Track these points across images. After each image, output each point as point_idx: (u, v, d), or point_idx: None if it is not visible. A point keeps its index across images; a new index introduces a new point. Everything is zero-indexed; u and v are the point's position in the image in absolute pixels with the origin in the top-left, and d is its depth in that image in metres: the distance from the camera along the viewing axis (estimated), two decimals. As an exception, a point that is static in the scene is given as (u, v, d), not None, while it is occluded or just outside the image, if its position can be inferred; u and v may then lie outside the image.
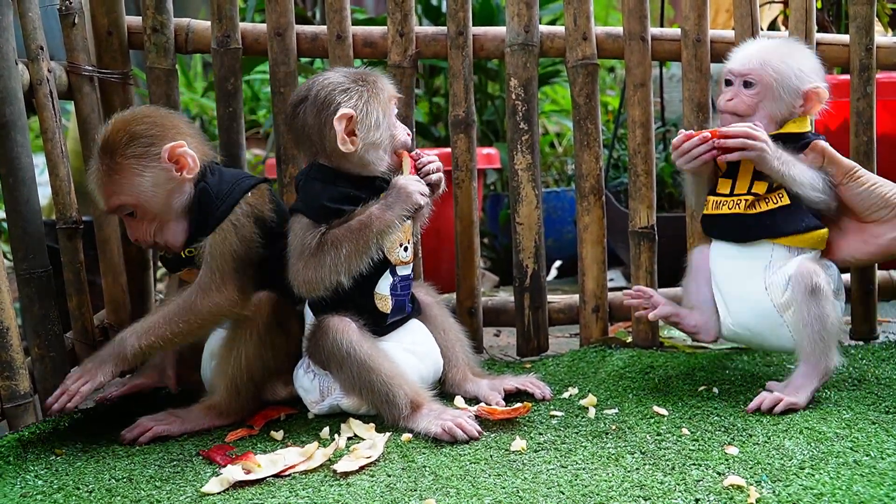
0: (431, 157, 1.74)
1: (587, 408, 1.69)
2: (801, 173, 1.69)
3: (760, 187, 1.73)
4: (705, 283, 1.84)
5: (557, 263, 3.34)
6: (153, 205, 1.66)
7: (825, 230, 1.74)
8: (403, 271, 1.74)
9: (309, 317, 1.74)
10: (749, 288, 1.73)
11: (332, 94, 1.66)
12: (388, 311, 1.73)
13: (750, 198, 1.72)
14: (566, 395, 1.79)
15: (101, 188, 1.66)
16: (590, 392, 1.79)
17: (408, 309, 1.79)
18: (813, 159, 1.72)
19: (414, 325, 1.80)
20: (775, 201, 1.72)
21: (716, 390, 1.75)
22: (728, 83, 1.79)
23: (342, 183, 1.69)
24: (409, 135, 1.75)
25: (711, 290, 1.82)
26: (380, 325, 1.72)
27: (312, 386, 1.70)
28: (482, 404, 1.67)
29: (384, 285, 1.72)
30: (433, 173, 1.73)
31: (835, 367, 1.67)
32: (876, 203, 1.70)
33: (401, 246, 1.72)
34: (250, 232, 1.68)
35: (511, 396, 1.78)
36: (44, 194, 2.22)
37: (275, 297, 1.71)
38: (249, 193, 1.70)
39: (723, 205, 1.75)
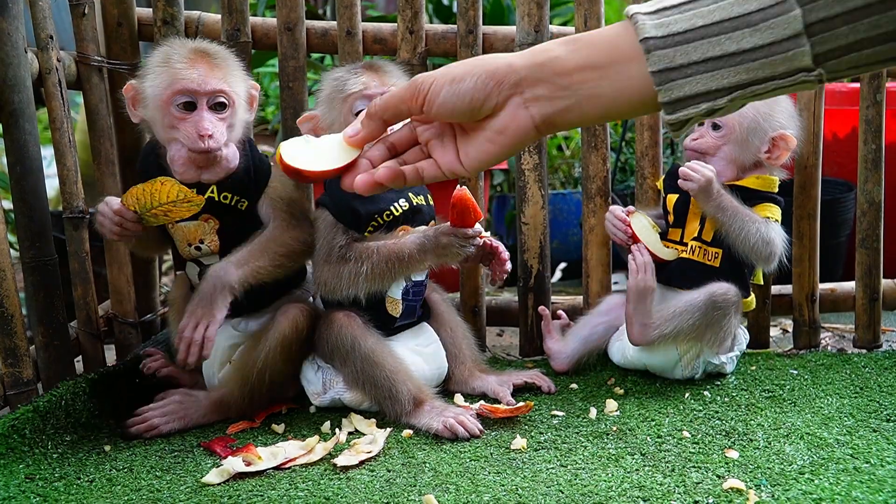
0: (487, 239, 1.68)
1: (588, 408, 1.69)
2: (738, 225, 1.74)
3: (708, 234, 1.82)
4: (591, 326, 1.94)
5: (562, 265, 3.34)
6: (239, 110, 1.65)
7: (751, 299, 1.87)
8: (418, 277, 1.74)
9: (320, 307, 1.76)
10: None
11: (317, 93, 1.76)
12: (398, 315, 1.73)
13: (701, 245, 1.82)
14: (567, 395, 1.79)
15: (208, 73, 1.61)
16: (591, 393, 1.79)
17: (418, 313, 1.79)
18: None
19: (421, 327, 1.80)
20: (711, 259, 1.82)
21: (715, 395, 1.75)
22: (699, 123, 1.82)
23: None
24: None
25: (590, 331, 1.93)
26: (387, 328, 1.72)
27: (316, 378, 1.71)
28: (483, 402, 1.67)
29: (396, 290, 1.72)
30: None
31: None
32: None
33: None
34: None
35: (515, 392, 1.78)
36: (51, 186, 2.23)
37: (306, 310, 1.69)
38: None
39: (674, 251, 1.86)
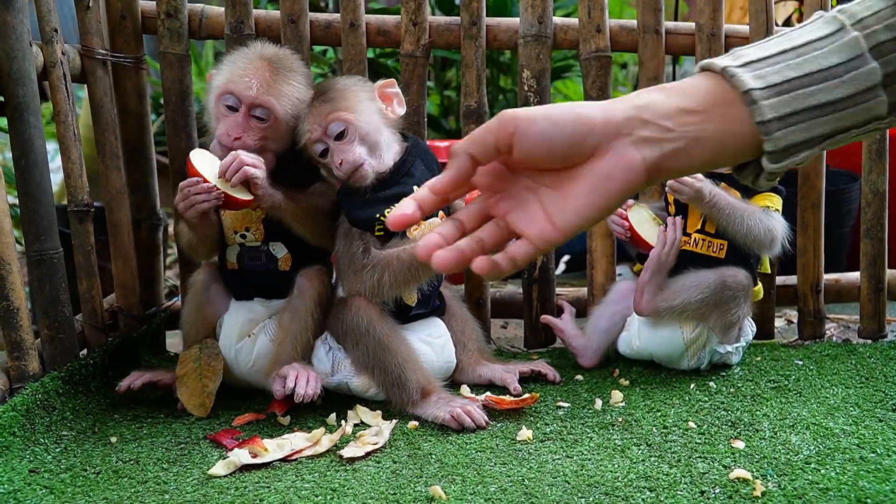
0: None
1: (594, 399, 1.69)
2: (738, 221, 1.73)
3: (711, 226, 1.81)
4: (608, 316, 1.92)
5: (565, 258, 3.33)
6: (283, 127, 1.71)
7: (759, 287, 1.87)
8: None
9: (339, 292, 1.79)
10: (663, 321, 1.80)
11: None
12: (413, 304, 1.74)
13: (705, 237, 1.81)
14: (572, 386, 1.79)
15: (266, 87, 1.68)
16: (596, 384, 1.79)
17: (433, 304, 1.80)
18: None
19: (434, 320, 1.81)
20: (716, 250, 1.81)
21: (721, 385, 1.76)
22: None
23: (362, 190, 1.69)
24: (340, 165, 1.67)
25: (609, 322, 1.91)
26: (402, 316, 1.73)
27: (326, 358, 1.71)
28: (489, 393, 1.67)
29: None
30: None
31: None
32: None
33: None
34: None
35: (521, 382, 1.78)
36: (55, 180, 2.23)
37: (324, 269, 1.77)
38: None
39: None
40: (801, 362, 1.88)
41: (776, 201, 1.82)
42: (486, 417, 1.57)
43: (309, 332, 1.71)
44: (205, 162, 1.63)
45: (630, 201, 1.88)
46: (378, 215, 1.68)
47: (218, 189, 1.59)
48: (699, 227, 1.82)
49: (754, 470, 1.33)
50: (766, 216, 1.76)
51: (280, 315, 1.76)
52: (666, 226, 1.80)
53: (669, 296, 1.77)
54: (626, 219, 1.84)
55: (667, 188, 1.76)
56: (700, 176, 1.73)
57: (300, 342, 1.70)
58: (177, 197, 1.63)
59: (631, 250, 1.95)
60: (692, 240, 1.83)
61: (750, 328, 1.90)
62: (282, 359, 1.70)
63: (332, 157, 1.67)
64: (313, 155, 1.70)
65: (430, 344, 1.75)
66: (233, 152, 1.60)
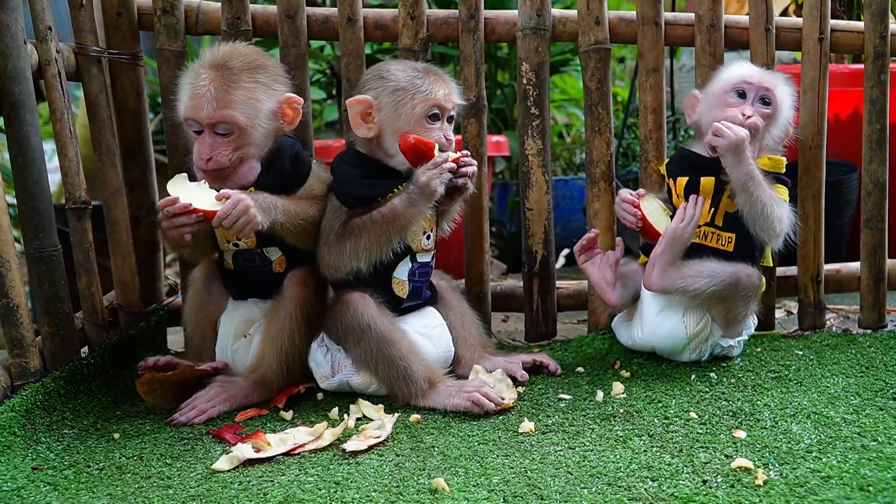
0: (468, 160, 1.70)
1: (595, 391, 1.69)
2: (765, 198, 1.71)
3: (720, 218, 1.81)
4: (634, 276, 1.90)
5: (565, 252, 3.34)
6: (252, 130, 1.66)
7: (763, 281, 1.86)
8: (423, 258, 1.76)
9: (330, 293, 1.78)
10: (668, 313, 1.79)
11: (367, 79, 1.73)
12: (405, 296, 1.75)
13: (714, 230, 1.80)
14: (574, 378, 1.79)
15: (213, 98, 1.63)
16: (597, 376, 1.79)
17: (425, 296, 1.80)
18: None
19: (428, 310, 1.81)
20: (724, 243, 1.80)
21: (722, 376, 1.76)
22: (741, 95, 1.79)
23: (372, 169, 1.71)
24: (448, 140, 1.71)
25: (638, 279, 1.88)
26: (395, 309, 1.74)
27: (325, 360, 1.72)
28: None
29: (403, 270, 1.74)
30: (463, 175, 1.69)
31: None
32: None
33: (424, 234, 1.75)
34: None
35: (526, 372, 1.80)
36: (53, 182, 2.23)
37: (310, 270, 1.74)
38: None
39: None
40: (801, 352, 1.89)
41: (784, 193, 1.81)
42: (498, 395, 1.61)
43: (284, 335, 1.70)
44: (183, 190, 1.60)
45: (641, 191, 1.87)
46: (382, 194, 1.68)
47: (197, 211, 1.57)
48: (709, 219, 1.82)
49: (756, 459, 1.34)
50: (781, 205, 1.76)
51: (266, 317, 1.76)
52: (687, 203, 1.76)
53: (686, 277, 1.73)
54: (639, 208, 1.82)
55: (708, 135, 1.73)
56: (746, 129, 1.70)
57: (274, 346, 1.70)
58: (159, 215, 1.61)
59: (634, 245, 1.95)
60: (701, 232, 1.82)
61: (752, 321, 1.89)
62: (260, 361, 1.72)
63: (443, 130, 1.70)
64: (421, 113, 1.67)
65: (428, 336, 1.75)
66: (233, 199, 1.56)
